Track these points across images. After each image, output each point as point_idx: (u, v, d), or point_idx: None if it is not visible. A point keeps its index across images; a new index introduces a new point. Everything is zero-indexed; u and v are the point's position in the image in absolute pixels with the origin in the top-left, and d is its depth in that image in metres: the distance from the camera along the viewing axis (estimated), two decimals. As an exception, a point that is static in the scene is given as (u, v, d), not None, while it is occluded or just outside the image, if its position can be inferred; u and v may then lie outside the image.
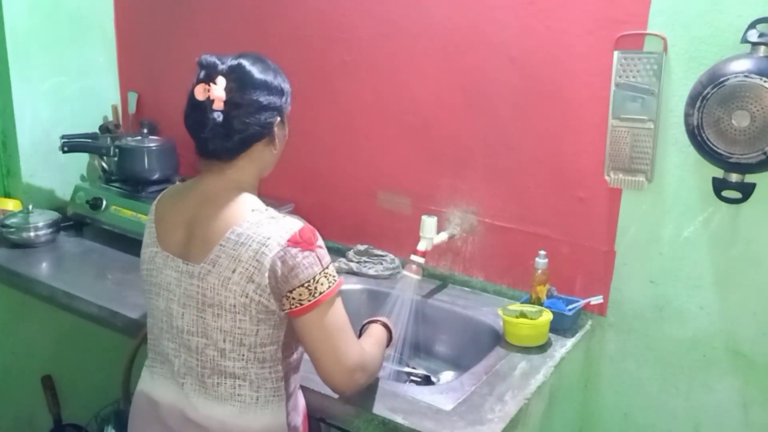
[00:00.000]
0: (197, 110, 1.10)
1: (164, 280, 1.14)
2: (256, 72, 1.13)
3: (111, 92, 2.40)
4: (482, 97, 1.68)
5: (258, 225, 1.08)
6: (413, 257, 1.62)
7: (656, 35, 1.42)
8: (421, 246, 1.63)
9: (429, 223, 1.63)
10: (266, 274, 1.05)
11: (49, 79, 2.18)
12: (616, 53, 1.47)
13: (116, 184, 2.13)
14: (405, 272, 1.62)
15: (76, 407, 2.28)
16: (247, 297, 1.06)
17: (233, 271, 1.06)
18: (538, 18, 1.56)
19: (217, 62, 1.11)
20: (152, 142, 2.13)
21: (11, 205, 2.12)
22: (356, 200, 1.94)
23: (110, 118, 2.39)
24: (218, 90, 1.08)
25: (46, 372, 2.24)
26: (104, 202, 2.04)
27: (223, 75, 1.10)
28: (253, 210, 1.11)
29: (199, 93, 1.09)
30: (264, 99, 1.12)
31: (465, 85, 1.70)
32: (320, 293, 1.07)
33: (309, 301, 1.06)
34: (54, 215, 2.03)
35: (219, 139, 1.11)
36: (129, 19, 2.34)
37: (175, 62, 2.27)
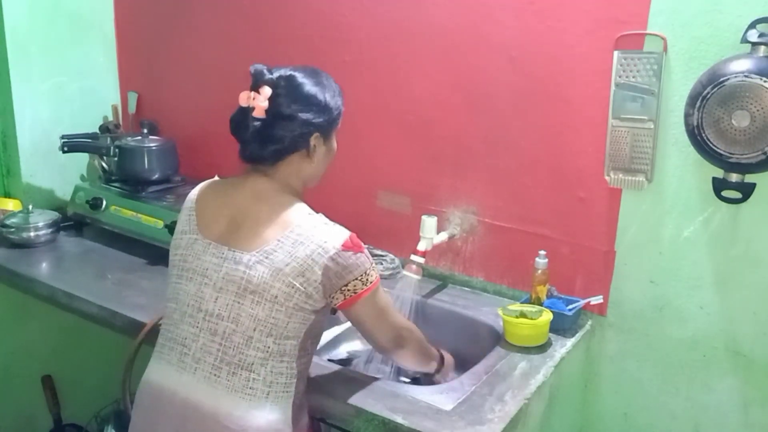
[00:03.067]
0: (241, 114, 1.18)
1: (201, 266, 1.18)
2: (304, 86, 1.20)
3: (111, 92, 2.40)
4: (482, 97, 1.68)
5: (315, 228, 1.16)
6: (413, 257, 1.63)
7: (656, 35, 1.42)
8: (421, 246, 1.63)
9: (429, 223, 1.63)
10: (319, 272, 1.13)
11: (49, 79, 2.18)
12: (616, 53, 1.47)
13: (116, 184, 2.12)
14: (405, 272, 1.62)
15: (76, 407, 2.28)
16: (293, 288, 1.13)
17: (286, 265, 1.13)
18: (538, 18, 1.56)
19: (265, 72, 1.18)
20: (152, 142, 2.13)
21: (11, 205, 2.11)
22: (356, 200, 1.94)
23: (110, 118, 2.39)
24: (260, 99, 1.16)
25: (46, 372, 2.24)
26: (104, 202, 2.03)
27: (269, 84, 1.17)
28: (309, 214, 1.19)
29: (243, 99, 1.18)
30: (303, 114, 1.18)
31: (465, 85, 1.70)
32: (371, 282, 1.20)
33: (362, 289, 1.18)
34: (54, 215, 2.03)
35: (255, 145, 1.19)
36: (129, 19, 2.34)
37: (175, 62, 2.27)
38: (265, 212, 1.18)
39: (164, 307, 1.25)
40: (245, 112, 1.17)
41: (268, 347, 1.14)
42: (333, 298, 1.17)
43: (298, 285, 1.13)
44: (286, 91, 1.18)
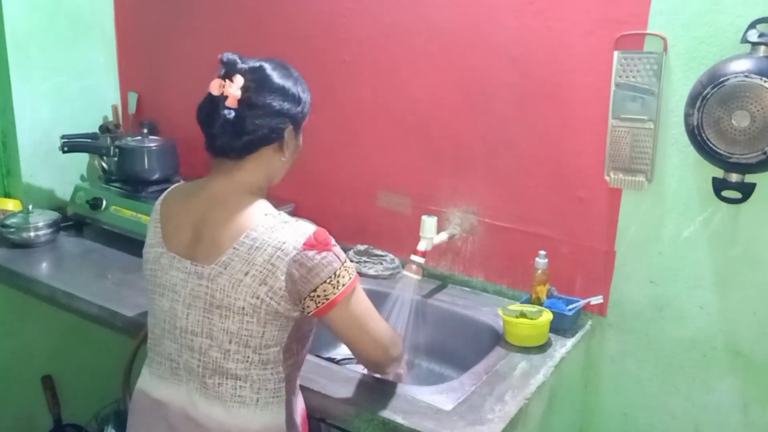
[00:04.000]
0: (211, 104, 1.12)
1: (170, 281, 1.14)
2: (276, 77, 1.14)
3: (111, 92, 2.40)
4: (482, 96, 1.68)
5: (272, 229, 1.09)
6: (413, 257, 1.62)
7: (656, 35, 1.42)
8: (421, 246, 1.63)
9: (429, 223, 1.63)
10: (282, 278, 1.06)
11: (49, 79, 2.18)
12: (616, 53, 1.47)
13: (116, 184, 2.13)
14: (405, 272, 1.62)
15: (76, 407, 2.28)
16: (258, 299, 1.07)
17: (246, 274, 1.07)
18: (538, 18, 1.56)
19: (238, 61, 1.12)
20: (152, 142, 2.13)
21: (11, 205, 2.11)
22: (356, 200, 1.94)
23: (110, 118, 2.39)
24: (234, 88, 1.10)
25: (46, 372, 2.24)
26: (104, 202, 2.03)
27: (242, 74, 1.11)
28: (266, 214, 1.12)
29: (215, 87, 1.11)
30: (278, 104, 1.13)
31: (465, 85, 1.70)
32: (343, 285, 1.10)
33: (334, 294, 1.09)
34: (54, 215, 2.03)
35: (227, 136, 1.12)
36: (129, 19, 2.34)
37: (175, 62, 2.27)
38: (222, 218, 1.11)
39: (147, 321, 1.23)
40: (215, 101, 1.10)
41: (248, 357, 1.10)
42: (304, 306, 1.09)
43: (262, 296, 1.06)
44: (258, 81, 1.12)
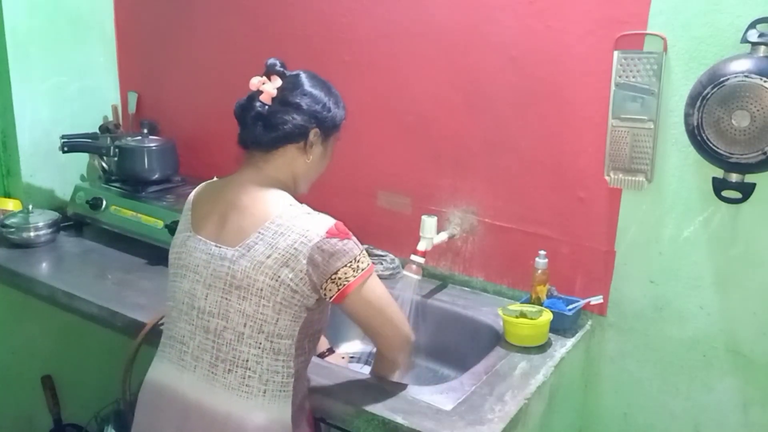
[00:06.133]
0: (248, 100, 1.23)
1: (192, 262, 1.20)
2: (309, 84, 1.25)
3: (111, 92, 2.40)
4: (482, 97, 1.68)
5: (296, 218, 1.16)
6: (413, 257, 1.63)
7: (656, 35, 1.42)
8: (421, 246, 1.63)
9: (429, 223, 1.63)
10: (304, 261, 1.12)
11: (49, 79, 2.18)
12: (616, 53, 1.47)
13: (116, 184, 2.13)
14: (405, 272, 1.63)
15: (76, 407, 2.28)
16: (277, 281, 1.11)
17: (268, 257, 1.12)
18: (538, 18, 1.56)
19: (278, 65, 1.24)
20: (152, 142, 2.13)
21: (11, 205, 2.12)
22: (356, 200, 1.94)
23: (110, 118, 2.39)
24: (270, 86, 1.21)
25: (46, 372, 2.24)
26: (104, 202, 2.03)
27: (280, 76, 1.23)
28: (290, 205, 1.19)
29: (253, 83, 1.22)
30: (306, 105, 1.22)
31: (465, 85, 1.70)
32: (362, 269, 1.17)
33: (354, 277, 1.15)
34: (54, 215, 2.03)
35: (258, 129, 1.21)
36: (129, 19, 2.34)
37: (175, 62, 2.27)
38: (248, 205, 1.18)
39: (165, 305, 1.26)
40: (252, 97, 1.21)
41: (260, 344, 1.13)
42: (324, 290, 1.15)
43: (283, 277, 1.11)
44: (293, 85, 1.23)
